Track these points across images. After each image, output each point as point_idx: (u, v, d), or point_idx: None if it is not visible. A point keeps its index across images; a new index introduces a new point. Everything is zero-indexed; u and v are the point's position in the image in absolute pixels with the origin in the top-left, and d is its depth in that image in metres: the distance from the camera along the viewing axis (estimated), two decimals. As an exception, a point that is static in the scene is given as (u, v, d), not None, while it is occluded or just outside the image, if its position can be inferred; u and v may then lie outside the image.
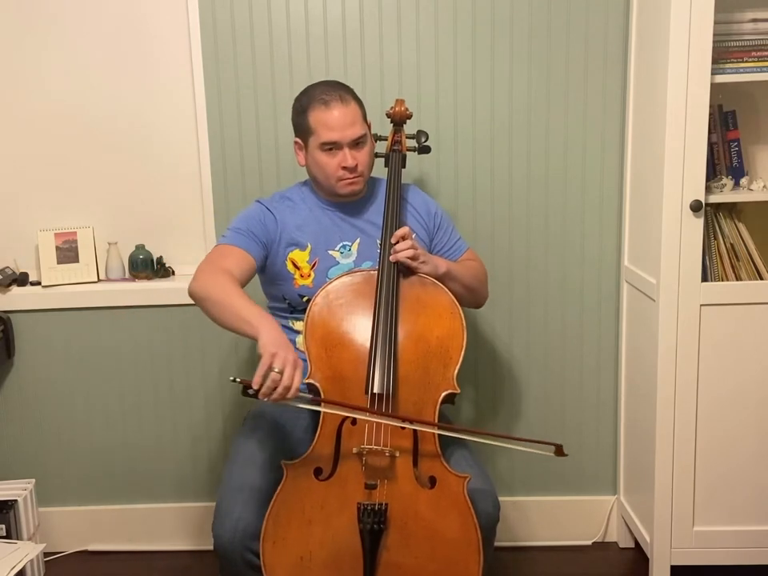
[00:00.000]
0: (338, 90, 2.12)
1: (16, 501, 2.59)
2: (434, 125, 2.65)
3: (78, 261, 2.73)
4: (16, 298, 2.73)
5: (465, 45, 2.62)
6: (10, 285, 2.73)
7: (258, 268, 2.15)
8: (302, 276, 2.17)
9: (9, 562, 2.23)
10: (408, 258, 2.04)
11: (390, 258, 2.05)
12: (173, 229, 2.77)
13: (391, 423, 1.90)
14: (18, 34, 2.65)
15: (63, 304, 2.75)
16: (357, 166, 2.12)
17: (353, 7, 2.60)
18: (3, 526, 2.53)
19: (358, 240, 2.21)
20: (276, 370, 1.76)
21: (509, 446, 2.02)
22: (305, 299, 2.15)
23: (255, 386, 1.77)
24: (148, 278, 2.75)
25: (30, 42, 2.65)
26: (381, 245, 2.11)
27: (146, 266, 2.74)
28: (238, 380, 1.79)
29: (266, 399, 1.78)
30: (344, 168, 2.12)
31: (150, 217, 2.77)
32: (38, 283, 2.74)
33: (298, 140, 2.20)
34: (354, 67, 2.63)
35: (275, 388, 1.76)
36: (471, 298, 2.26)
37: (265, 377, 1.76)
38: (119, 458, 2.86)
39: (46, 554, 2.80)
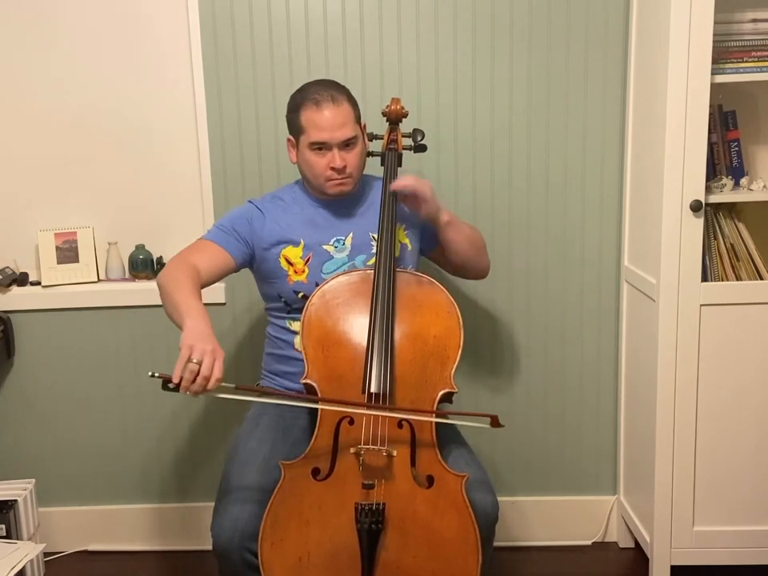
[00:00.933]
0: (330, 90, 2.11)
1: (16, 501, 2.59)
2: (434, 125, 2.64)
3: (78, 261, 2.73)
4: (16, 298, 2.73)
5: (465, 45, 2.62)
6: (10, 285, 2.73)
7: (237, 265, 2.17)
8: (295, 272, 2.17)
9: (9, 561, 2.22)
10: (425, 189, 2.07)
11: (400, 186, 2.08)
12: (173, 229, 2.76)
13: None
14: (18, 35, 2.65)
15: (63, 304, 2.75)
16: (345, 167, 2.12)
17: (353, 7, 2.60)
18: (3, 526, 2.52)
19: (350, 234, 2.20)
20: (194, 361, 1.74)
21: (442, 420, 2.01)
22: (300, 295, 2.15)
23: (176, 380, 1.74)
24: (148, 278, 2.75)
25: (29, 43, 2.65)
26: (376, 239, 2.11)
27: (146, 266, 2.74)
28: (157, 374, 1.75)
29: (187, 392, 1.76)
30: (332, 168, 2.11)
31: (150, 217, 2.77)
32: (38, 283, 2.75)
33: (290, 137, 2.20)
34: (353, 67, 2.63)
35: (194, 380, 1.74)
36: (475, 256, 2.27)
37: (184, 369, 1.74)
38: (119, 458, 2.86)
39: (46, 554, 2.80)
